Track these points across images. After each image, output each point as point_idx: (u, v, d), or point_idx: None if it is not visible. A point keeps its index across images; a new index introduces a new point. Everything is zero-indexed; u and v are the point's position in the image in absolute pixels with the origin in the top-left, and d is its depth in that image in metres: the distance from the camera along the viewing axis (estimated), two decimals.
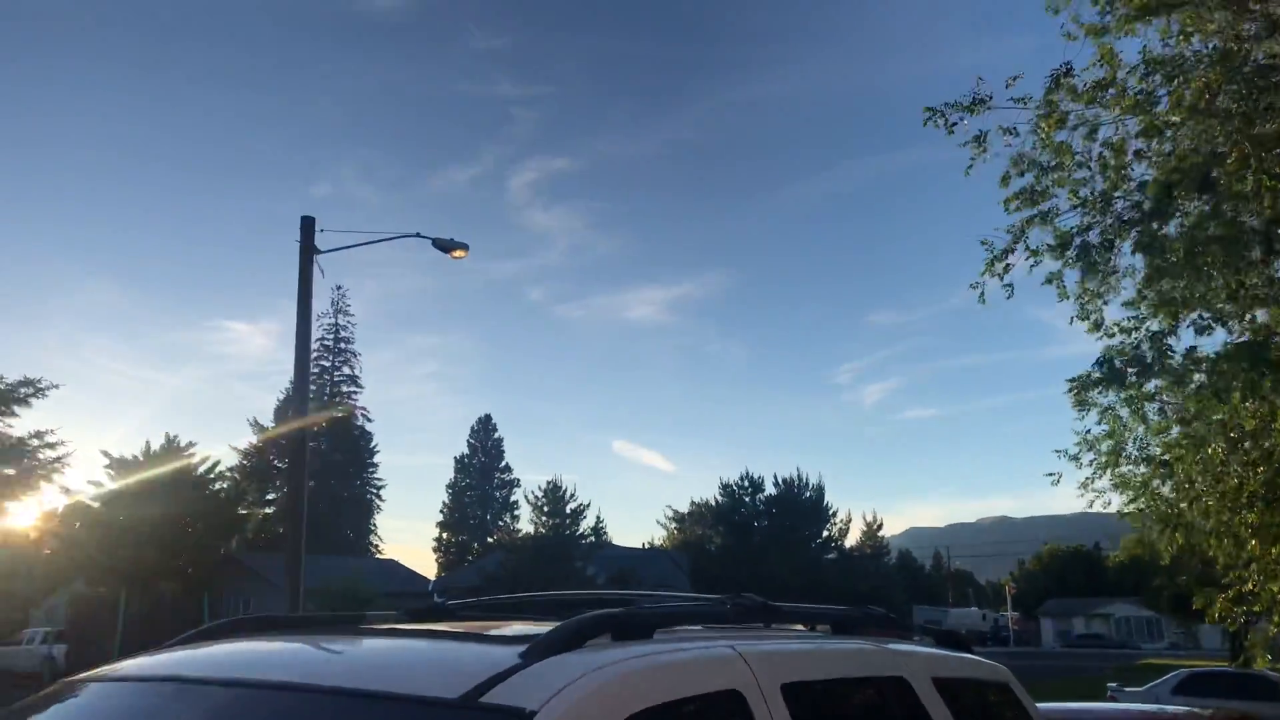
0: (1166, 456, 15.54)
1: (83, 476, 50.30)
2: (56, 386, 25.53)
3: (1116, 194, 12.71)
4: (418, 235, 19.62)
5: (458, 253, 19.91)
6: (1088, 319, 13.59)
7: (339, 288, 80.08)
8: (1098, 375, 14.24)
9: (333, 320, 79.27)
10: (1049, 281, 13.75)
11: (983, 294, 13.81)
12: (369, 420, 79.34)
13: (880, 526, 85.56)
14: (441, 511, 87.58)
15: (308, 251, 17.97)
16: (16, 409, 25.09)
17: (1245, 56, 10.56)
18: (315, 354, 79.18)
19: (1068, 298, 13.85)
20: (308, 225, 18.18)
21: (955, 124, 12.83)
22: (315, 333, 79.83)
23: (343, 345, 79.90)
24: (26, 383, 24.92)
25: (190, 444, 46.05)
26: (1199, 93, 10.66)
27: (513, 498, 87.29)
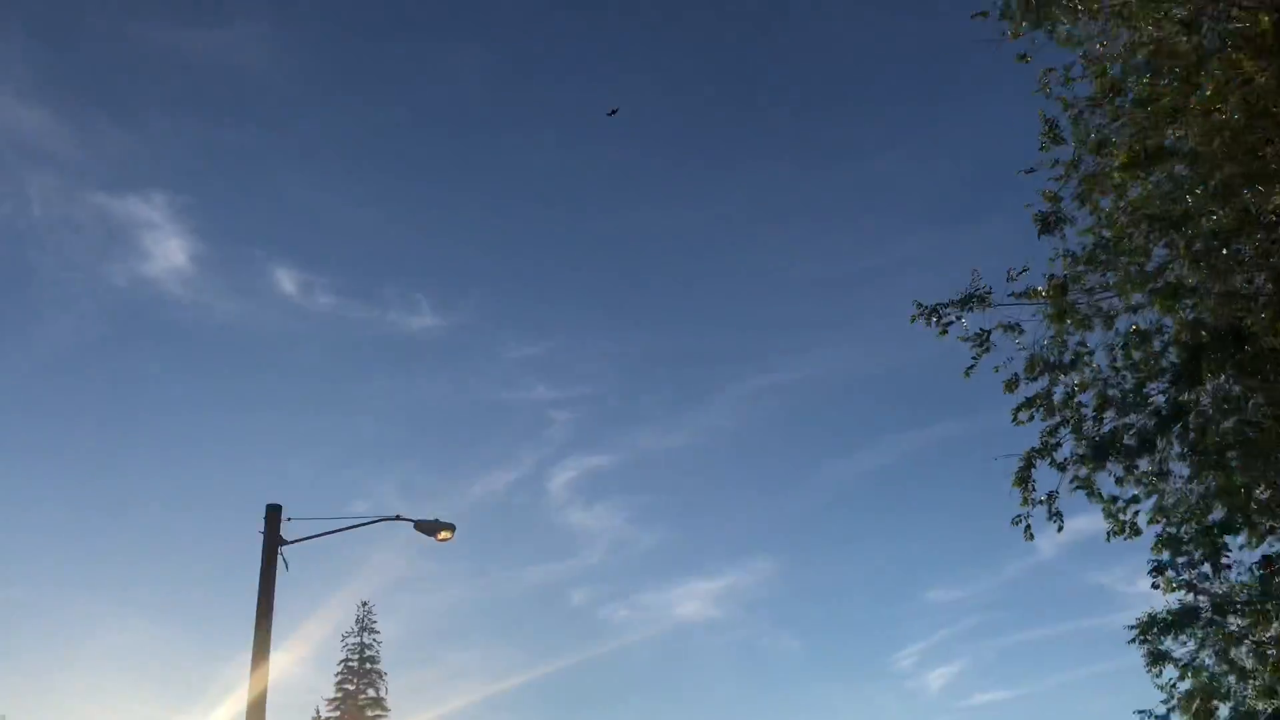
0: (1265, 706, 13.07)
1: None
2: None
3: (1148, 387, 11.37)
4: (397, 518, 18.25)
5: (443, 534, 18.44)
6: (1125, 530, 11.85)
7: (365, 604, 77.55)
8: (1166, 616, 12.24)
9: (357, 639, 76.18)
10: (1079, 487, 12.14)
11: (1029, 529, 12.24)
12: None
13: None
14: None
15: (272, 543, 16.47)
16: None
17: (1259, 203, 9.53)
18: (339, 676, 75.51)
19: (1111, 513, 12.16)
20: (273, 514, 16.76)
21: (950, 322, 11.83)
22: (339, 653, 76.47)
23: (368, 666, 76.26)
24: None
25: None
26: (1214, 240, 9.50)
27: None
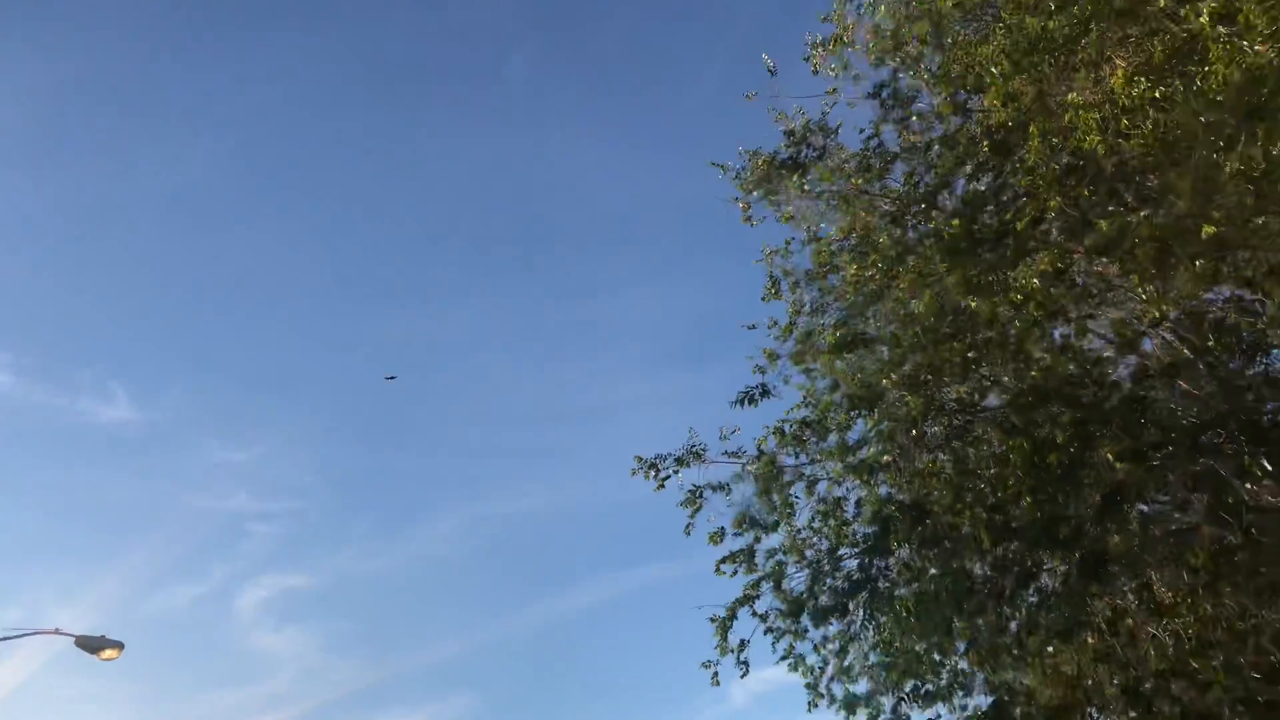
0: None
1: None
2: None
3: (842, 550, 12.05)
4: (56, 631, 16.28)
5: (108, 653, 16.62)
6: (819, 691, 12.36)
7: None
8: None
9: None
10: (785, 658, 12.63)
11: (716, 675, 12.53)
12: None
13: None
14: None
15: None
16: None
17: (942, 392, 10.45)
18: None
19: (807, 678, 12.64)
20: None
21: (668, 476, 12.34)
22: None
23: None
24: None
25: None
26: (904, 423, 10.28)
27: None
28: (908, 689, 12.16)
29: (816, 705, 12.61)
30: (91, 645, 16.35)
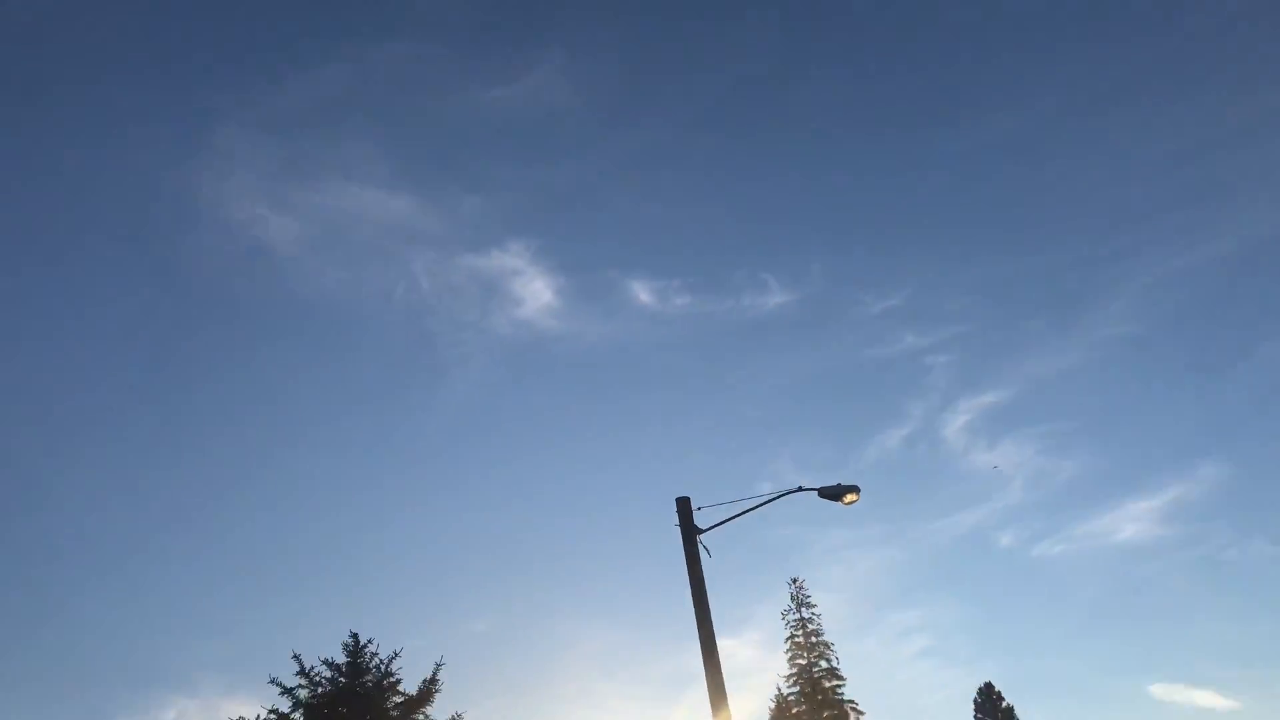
0: None
1: None
2: None
3: None
4: (799, 489, 18.42)
5: (849, 497, 18.41)
6: None
7: (795, 580, 79.35)
8: None
9: (797, 615, 78.00)
10: None
11: None
12: (859, 713, 75.06)
13: None
14: None
15: (689, 533, 17.27)
16: None
17: None
18: (789, 653, 77.84)
19: None
20: (684, 506, 17.58)
21: None
22: (782, 631, 78.79)
23: (813, 639, 77.80)
24: None
25: None
26: None
27: None
28: None
29: None
30: (833, 493, 18.21)
